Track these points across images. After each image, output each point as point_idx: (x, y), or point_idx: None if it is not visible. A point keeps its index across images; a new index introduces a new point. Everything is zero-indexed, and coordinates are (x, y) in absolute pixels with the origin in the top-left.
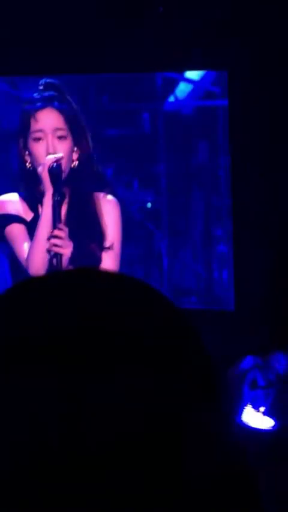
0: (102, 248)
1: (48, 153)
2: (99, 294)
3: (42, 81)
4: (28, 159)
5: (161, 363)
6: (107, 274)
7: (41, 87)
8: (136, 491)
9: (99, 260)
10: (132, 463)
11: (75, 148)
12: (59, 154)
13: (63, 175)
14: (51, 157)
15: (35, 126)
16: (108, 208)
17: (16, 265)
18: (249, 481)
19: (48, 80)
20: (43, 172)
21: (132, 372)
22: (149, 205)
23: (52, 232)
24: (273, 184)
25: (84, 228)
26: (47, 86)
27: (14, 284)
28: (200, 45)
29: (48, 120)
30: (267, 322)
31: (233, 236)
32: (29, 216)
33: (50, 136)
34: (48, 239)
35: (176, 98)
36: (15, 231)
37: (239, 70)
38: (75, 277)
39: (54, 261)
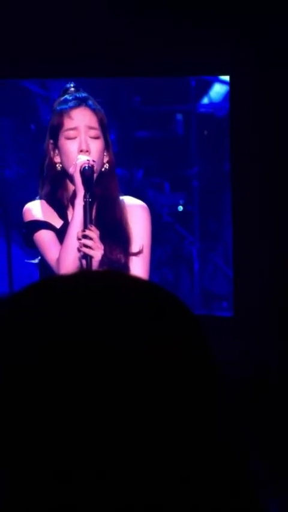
0: (127, 254)
1: (81, 151)
2: (122, 298)
3: (69, 85)
4: (58, 160)
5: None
6: (132, 279)
7: (72, 89)
8: None
9: (125, 266)
10: None
11: (106, 152)
12: (91, 158)
13: (95, 176)
14: (84, 159)
15: (68, 124)
16: (138, 213)
17: (46, 271)
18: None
19: (74, 84)
20: (75, 173)
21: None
22: (181, 208)
23: (83, 231)
24: (273, 191)
25: (112, 233)
26: (77, 88)
27: (40, 280)
28: (202, 50)
29: (82, 118)
30: (267, 327)
31: (232, 241)
32: (58, 223)
33: (83, 134)
34: (79, 239)
35: (211, 100)
36: (45, 236)
37: (241, 75)
38: (98, 279)
39: (84, 262)
